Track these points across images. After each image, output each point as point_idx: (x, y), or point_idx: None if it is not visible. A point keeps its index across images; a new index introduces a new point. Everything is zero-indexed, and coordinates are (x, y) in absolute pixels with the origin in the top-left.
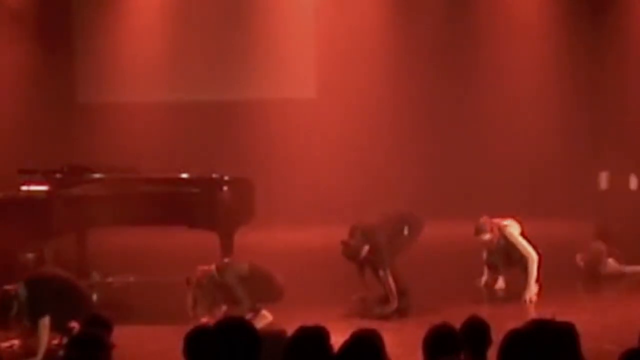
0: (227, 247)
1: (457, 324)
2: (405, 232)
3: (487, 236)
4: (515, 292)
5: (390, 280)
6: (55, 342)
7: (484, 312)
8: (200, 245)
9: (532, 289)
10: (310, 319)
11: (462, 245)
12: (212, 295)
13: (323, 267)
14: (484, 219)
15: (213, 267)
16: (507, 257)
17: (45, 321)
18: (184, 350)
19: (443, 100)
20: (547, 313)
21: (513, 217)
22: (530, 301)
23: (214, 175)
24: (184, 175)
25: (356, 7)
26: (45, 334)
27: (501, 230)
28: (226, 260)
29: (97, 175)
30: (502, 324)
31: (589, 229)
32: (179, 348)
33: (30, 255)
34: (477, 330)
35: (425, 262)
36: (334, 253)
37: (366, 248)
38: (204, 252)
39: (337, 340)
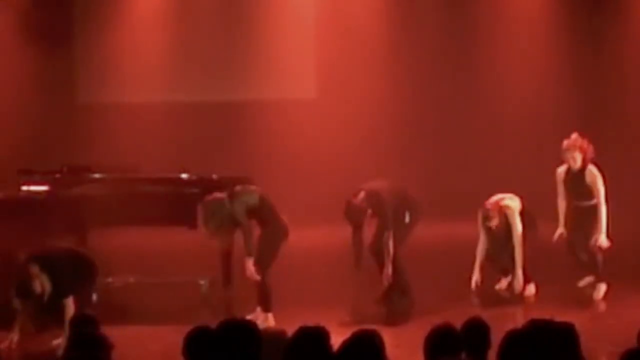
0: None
1: (458, 324)
2: (407, 219)
3: (495, 222)
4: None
5: (391, 246)
6: (56, 342)
7: (485, 313)
8: (200, 245)
9: (520, 278)
10: (311, 319)
11: (463, 245)
12: (220, 219)
13: (323, 268)
14: (489, 205)
15: (225, 194)
16: (507, 241)
17: (70, 301)
18: (184, 350)
19: (444, 99)
20: (546, 313)
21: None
22: (519, 290)
23: (214, 176)
24: (184, 176)
25: (356, 7)
26: (71, 314)
27: (503, 210)
28: (238, 188)
29: (97, 175)
30: (502, 325)
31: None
32: (179, 348)
33: None
34: (477, 332)
35: (425, 262)
36: (335, 253)
37: (369, 212)
38: (204, 252)
39: (337, 340)
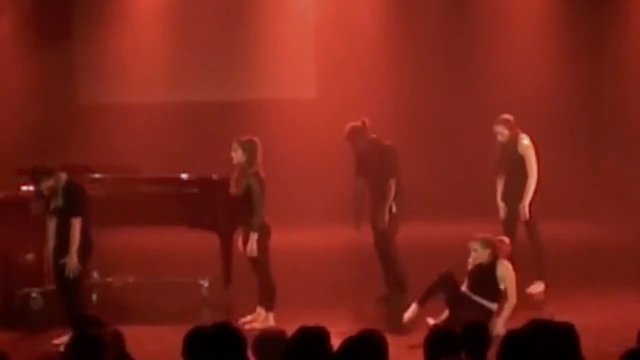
0: (227, 247)
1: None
2: (394, 209)
3: (504, 132)
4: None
5: (392, 192)
6: (56, 342)
7: None
8: (200, 245)
9: (526, 206)
10: (311, 320)
11: (464, 245)
12: (244, 167)
13: (324, 268)
14: (508, 116)
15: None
16: (510, 168)
17: (77, 221)
18: (183, 351)
19: (445, 99)
20: (546, 313)
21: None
22: (525, 219)
23: (214, 176)
24: (184, 176)
25: (356, 7)
26: (77, 234)
27: (516, 134)
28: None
29: (97, 175)
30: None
31: (588, 228)
32: (179, 348)
33: (30, 255)
34: (477, 332)
35: (426, 262)
36: (335, 253)
37: (369, 143)
38: (204, 252)
39: (337, 341)
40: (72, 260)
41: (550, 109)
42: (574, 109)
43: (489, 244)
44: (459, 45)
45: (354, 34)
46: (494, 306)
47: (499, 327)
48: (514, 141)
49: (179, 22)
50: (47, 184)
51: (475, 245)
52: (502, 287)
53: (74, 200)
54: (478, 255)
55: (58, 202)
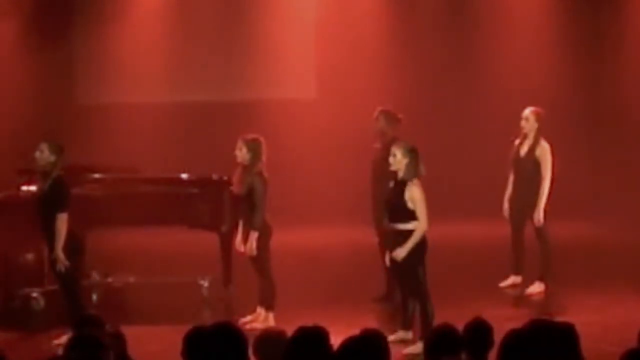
0: (227, 247)
1: (458, 324)
2: None
3: (532, 119)
4: (519, 292)
5: None
6: (56, 342)
7: (487, 312)
8: (200, 245)
9: (541, 211)
10: (311, 320)
11: (464, 245)
12: (248, 166)
13: (324, 268)
14: (539, 109)
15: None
16: (522, 168)
17: (62, 217)
18: (183, 351)
19: (444, 98)
20: (547, 313)
21: None
22: (539, 224)
23: (214, 176)
24: (184, 176)
25: (356, 8)
26: (63, 229)
27: (540, 139)
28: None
29: (97, 175)
30: (503, 325)
31: (588, 228)
32: (179, 348)
33: (30, 255)
34: (479, 333)
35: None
36: (335, 254)
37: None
38: (204, 252)
39: (337, 340)
40: (59, 256)
41: (550, 109)
42: (574, 109)
43: (408, 152)
44: (459, 45)
45: (354, 33)
46: (410, 225)
47: (404, 250)
48: (535, 139)
49: (179, 22)
50: (47, 155)
51: (396, 151)
52: (410, 207)
53: (61, 195)
54: (396, 160)
55: (45, 187)
